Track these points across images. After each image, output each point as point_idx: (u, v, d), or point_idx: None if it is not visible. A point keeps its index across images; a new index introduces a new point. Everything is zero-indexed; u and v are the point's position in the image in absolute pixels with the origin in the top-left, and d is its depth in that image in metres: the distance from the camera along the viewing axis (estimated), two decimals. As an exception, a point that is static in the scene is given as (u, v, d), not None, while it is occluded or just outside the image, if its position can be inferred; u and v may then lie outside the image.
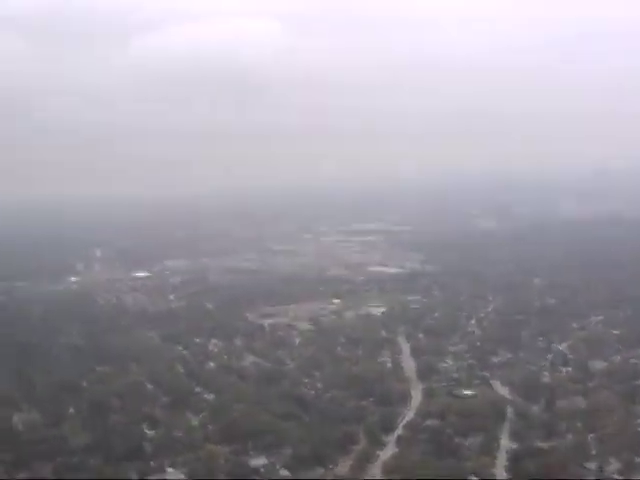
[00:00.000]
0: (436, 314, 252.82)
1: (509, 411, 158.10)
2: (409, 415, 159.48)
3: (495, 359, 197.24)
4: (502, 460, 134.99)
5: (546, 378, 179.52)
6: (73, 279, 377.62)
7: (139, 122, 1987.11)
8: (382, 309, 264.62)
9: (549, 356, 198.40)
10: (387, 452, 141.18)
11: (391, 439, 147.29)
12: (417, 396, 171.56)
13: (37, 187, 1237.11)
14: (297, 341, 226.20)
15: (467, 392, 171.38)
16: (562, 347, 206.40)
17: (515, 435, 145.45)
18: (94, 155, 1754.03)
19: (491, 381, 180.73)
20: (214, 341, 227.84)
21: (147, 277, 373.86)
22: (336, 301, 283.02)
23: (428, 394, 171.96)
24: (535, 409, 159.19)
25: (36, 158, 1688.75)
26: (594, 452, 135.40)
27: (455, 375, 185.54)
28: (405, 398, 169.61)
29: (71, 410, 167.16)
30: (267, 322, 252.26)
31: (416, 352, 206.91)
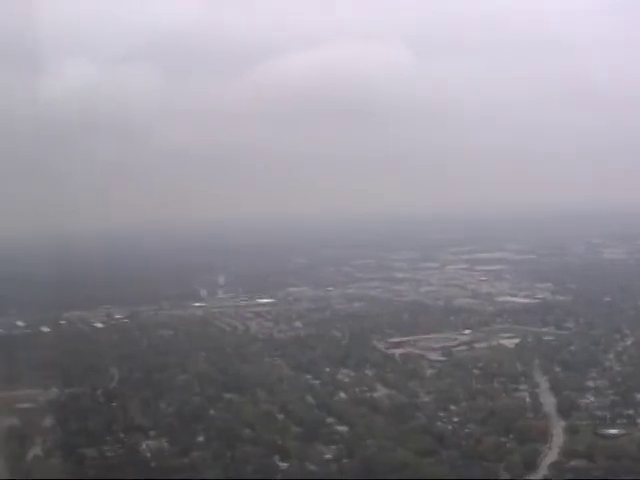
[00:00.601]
0: (572, 347, 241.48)
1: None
2: (552, 454, 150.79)
3: (639, 396, 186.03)
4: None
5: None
6: (197, 304, 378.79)
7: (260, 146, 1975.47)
8: (515, 341, 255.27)
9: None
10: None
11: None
12: (559, 434, 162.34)
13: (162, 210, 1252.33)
14: (429, 373, 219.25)
15: (613, 431, 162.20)
16: None
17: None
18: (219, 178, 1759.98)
19: (637, 420, 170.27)
20: (344, 371, 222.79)
21: (271, 304, 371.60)
22: (467, 332, 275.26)
23: (570, 432, 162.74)
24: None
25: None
26: None
27: (598, 413, 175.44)
28: (546, 436, 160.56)
29: (200, 439, 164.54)
30: (397, 352, 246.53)
31: (554, 387, 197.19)
